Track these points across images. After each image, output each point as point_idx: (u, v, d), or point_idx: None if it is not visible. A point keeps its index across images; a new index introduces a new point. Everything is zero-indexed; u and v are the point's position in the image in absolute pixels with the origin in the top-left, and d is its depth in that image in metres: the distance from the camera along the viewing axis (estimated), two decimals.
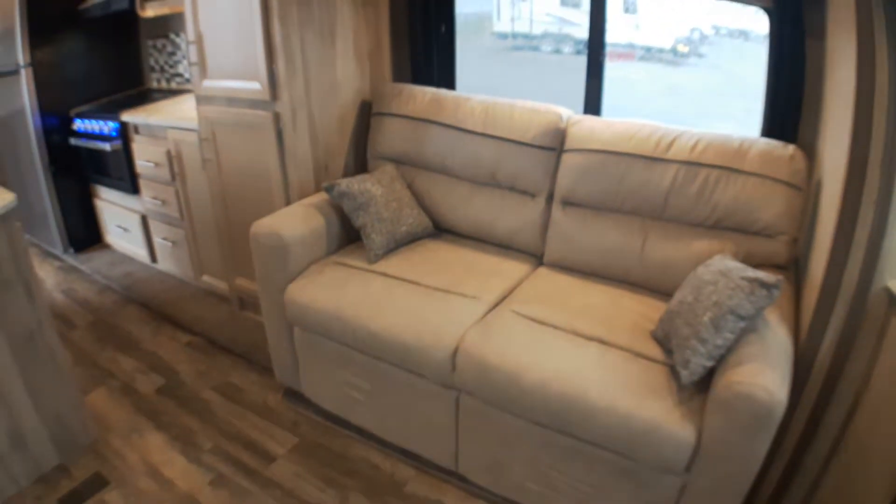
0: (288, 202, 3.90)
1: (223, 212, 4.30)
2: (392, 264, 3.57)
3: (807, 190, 3.02)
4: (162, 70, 6.10)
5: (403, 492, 3.35)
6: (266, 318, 3.78)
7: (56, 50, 5.74)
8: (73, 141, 5.75)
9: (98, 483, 3.57)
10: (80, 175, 5.99)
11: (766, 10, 3.22)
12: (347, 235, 3.85)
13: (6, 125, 6.00)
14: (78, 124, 5.71)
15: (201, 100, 4.12)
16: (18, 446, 3.56)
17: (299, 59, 3.71)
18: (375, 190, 3.67)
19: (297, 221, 3.60)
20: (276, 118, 3.74)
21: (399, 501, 3.30)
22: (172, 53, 5.93)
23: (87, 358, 4.54)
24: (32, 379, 3.52)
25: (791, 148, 3.06)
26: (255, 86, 3.75)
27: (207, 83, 4.02)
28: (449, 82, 4.52)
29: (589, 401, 2.62)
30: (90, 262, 6.05)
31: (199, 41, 3.98)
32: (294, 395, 3.96)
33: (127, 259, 6.00)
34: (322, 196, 3.83)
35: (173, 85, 6.00)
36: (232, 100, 3.93)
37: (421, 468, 3.46)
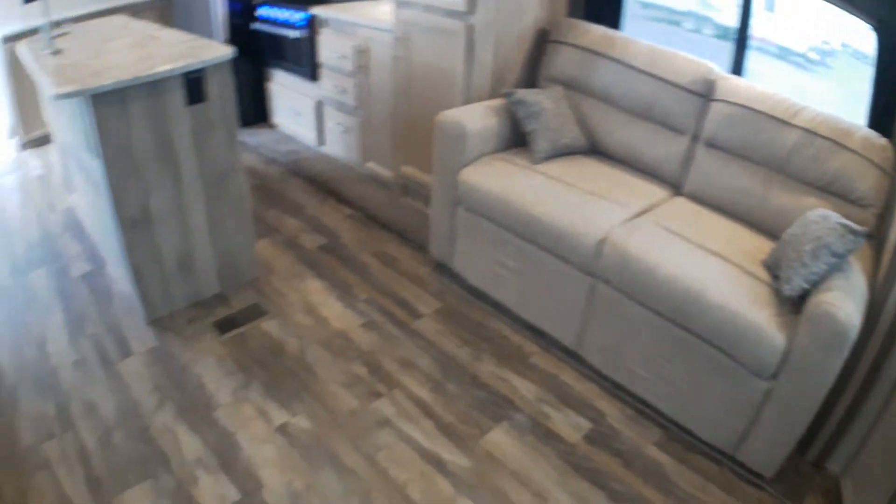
0: (466, 103, 4.48)
1: (405, 104, 4.90)
2: (552, 168, 4.16)
3: (893, 176, 3.54)
4: None
5: (528, 362, 3.96)
6: (434, 198, 4.43)
7: None
8: (254, 26, 6.42)
9: (256, 313, 4.30)
10: (255, 58, 6.64)
11: (874, 28, 3.76)
12: (513, 139, 4.44)
13: (193, 6, 6.68)
14: (262, 11, 6.36)
15: (401, 4, 4.71)
16: (185, 270, 4.27)
17: None
18: (546, 103, 4.28)
19: (476, 117, 4.22)
20: (470, 29, 4.33)
21: (524, 369, 3.91)
22: None
23: (254, 214, 5.13)
24: (215, 213, 4.24)
25: (885, 140, 3.57)
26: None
27: None
28: (615, 26, 5.02)
29: (707, 298, 3.19)
30: (255, 138, 6.78)
31: None
32: (443, 270, 4.64)
33: (292, 140, 6.70)
34: (497, 102, 4.43)
35: None
36: (430, 7, 4.52)
37: (545, 346, 4.08)
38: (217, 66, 3.93)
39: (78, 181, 5.39)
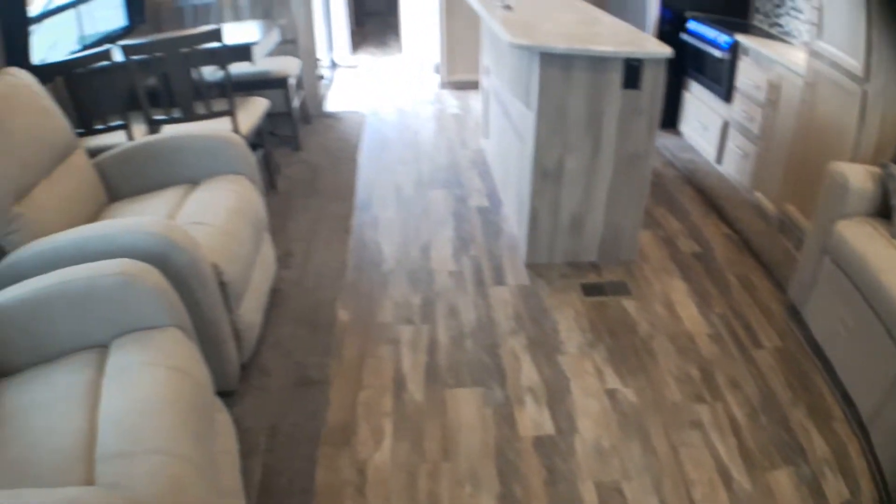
0: (853, 161, 4.36)
1: (801, 146, 4.88)
2: None
3: None
4: (766, 14, 6.54)
5: (830, 425, 3.82)
6: (807, 242, 4.39)
7: None
8: (682, 36, 6.59)
9: (621, 289, 4.52)
10: (677, 65, 6.68)
11: None
12: (881, 208, 4.17)
13: (628, 1, 7.09)
14: (692, 25, 6.55)
15: (813, 54, 4.69)
16: (574, 230, 4.62)
17: (891, 57, 4.17)
18: None
19: (861, 176, 4.07)
20: (864, 95, 4.25)
21: (825, 429, 3.78)
22: (778, 6, 6.32)
23: (645, 205, 5.18)
24: (617, 189, 4.51)
25: None
26: (853, 63, 4.28)
27: (821, 44, 4.59)
28: None
29: None
30: (661, 140, 6.97)
31: (821, 9, 4.56)
32: (792, 313, 4.54)
33: (693, 150, 6.79)
34: (872, 169, 4.21)
35: (773, 31, 6.39)
36: (835, 64, 4.46)
37: (848, 415, 3.89)
38: (655, 61, 4.16)
39: (496, 127, 5.85)
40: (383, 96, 8.48)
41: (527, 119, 4.43)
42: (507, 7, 5.21)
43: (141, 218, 3.39)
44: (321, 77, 8.08)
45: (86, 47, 5.63)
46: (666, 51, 4.16)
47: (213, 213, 3.68)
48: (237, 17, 7.01)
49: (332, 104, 8.08)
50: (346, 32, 10.14)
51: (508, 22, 4.65)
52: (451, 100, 8.32)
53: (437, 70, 8.88)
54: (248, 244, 3.77)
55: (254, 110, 5.36)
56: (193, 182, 4.14)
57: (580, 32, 4.45)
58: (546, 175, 4.39)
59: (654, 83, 4.22)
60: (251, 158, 4.23)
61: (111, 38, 6.01)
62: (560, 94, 4.15)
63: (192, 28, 6.79)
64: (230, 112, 4.92)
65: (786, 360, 4.18)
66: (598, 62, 4.06)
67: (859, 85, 4.27)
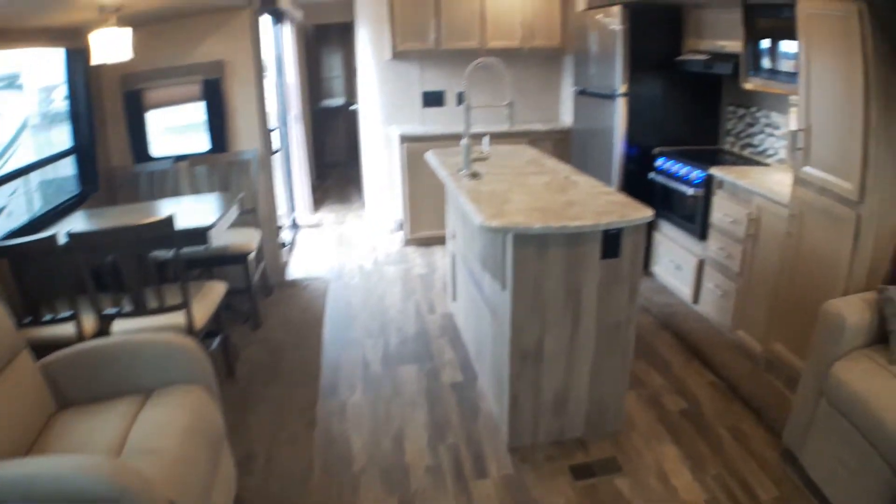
0: (846, 293, 4.14)
1: (787, 282, 4.64)
2: None
3: None
4: (737, 136, 6.49)
5: None
6: (802, 385, 4.08)
7: (648, 89, 6.53)
8: (651, 175, 6.43)
9: (611, 467, 4.13)
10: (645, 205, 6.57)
11: None
12: (876, 336, 3.94)
13: (591, 143, 7.01)
14: (660, 162, 6.37)
15: (798, 181, 4.50)
16: (557, 408, 4.28)
17: (890, 174, 3.95)
18: None
19: (854, 310, 3.84)
20: (858, 219, 4.03)
21: None
22: (751, 125, 6.27)
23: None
24: (599, 360, 4.22)
25: None
26: (847, 186, 4.06)
27: (808, 169, 4.39)
28: None
29: None
30: None
31: (808, 131, 4.36)
32: (787, 457, 4.24)
33: (667, 291, 6.55)
34: (869, 295, 4.00)
35: (745, 153, 6.35)
36: (824, 190, 4.26)
37: None
38: (635, 227, 3.99)
39: (464, 292, 5.63)
40: (347, 257, 8.26)
41: (501, 297, 4.20)
42: (475, 175, 4.99)
43: (91, 458, 2.98)
44: (283, 245, 7.81)
45: (33, 221, 5.34)
46: (646, 214, 3.99)
47: (166, 437, 3.33)
48: (193, 185, 6.72)
49: (294, 269, 7.85)
50: (307, 191, 9.93)
51: (477, 196, 4.46)
52: (417, 258, 8.10)
53: (401, 227, 8.66)
54: (204, 467, 3.40)
55: (210, 298, 4.98)
56: (146, 391, 3.79)
57: (553, 203, 4.25)
58: (525, 357, 4.12)
59: (634, 249, 4.03)
60: (206, 365, 3.88)
61: (63, 208, 5.77)
62: (536, 272, 3.95)
63: (148, 197, 6.58)
64: (184, 305, 4.55)
65: None
66: (575, 236, 3.88)
67: (853, 209, 4.09)
